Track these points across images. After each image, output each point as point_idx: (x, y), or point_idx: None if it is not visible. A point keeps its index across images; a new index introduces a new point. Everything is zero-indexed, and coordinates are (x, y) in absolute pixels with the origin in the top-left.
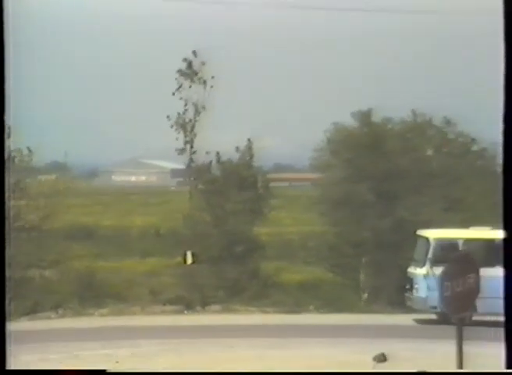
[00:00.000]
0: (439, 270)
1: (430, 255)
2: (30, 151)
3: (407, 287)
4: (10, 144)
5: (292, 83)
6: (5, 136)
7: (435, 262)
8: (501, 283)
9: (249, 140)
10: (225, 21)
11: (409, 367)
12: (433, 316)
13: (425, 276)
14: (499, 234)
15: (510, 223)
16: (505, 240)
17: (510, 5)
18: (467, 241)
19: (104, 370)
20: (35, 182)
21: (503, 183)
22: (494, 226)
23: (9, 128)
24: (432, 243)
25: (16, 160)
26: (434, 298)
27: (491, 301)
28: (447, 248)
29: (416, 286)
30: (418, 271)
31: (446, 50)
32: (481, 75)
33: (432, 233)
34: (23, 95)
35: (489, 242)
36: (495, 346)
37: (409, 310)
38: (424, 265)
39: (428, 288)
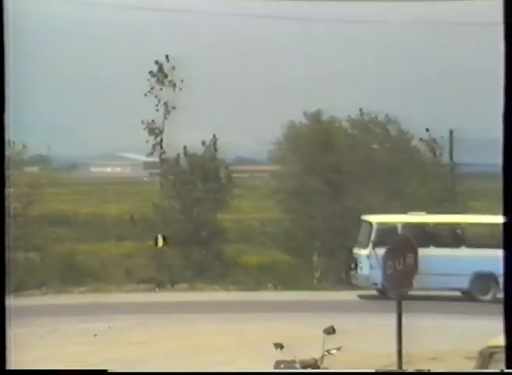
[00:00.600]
0: (380, 251)
1: (372, 237)
2: (24, 146)
3: (352, 266)
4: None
5: (252, 86)
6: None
7: (377, 243)
8: (434, 261)
9: (214, 136)
10: (195, 30)
11: (355, 338)
12: (375, 292)
13: (368, 256)
14: (433, 219)
15: (510, 208)
16: (505, 224)
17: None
18: (405, 224)
19: (105, 370)
20: (21, 173)
21: (503, 176)
22: (429, 212)
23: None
24: (375, 227)
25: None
26: (376, 275)
27: (425, 278)
28: (387, 231)
29: (360, 265)
30: (362, 252)
31: (392, 54)
32: (424, 75)
33: (375, 218)
34: (13, 94)
35: (424, 225)
36: (430, 318)
37: (355, 287)
38: (367, 246)
39: (371, 267)
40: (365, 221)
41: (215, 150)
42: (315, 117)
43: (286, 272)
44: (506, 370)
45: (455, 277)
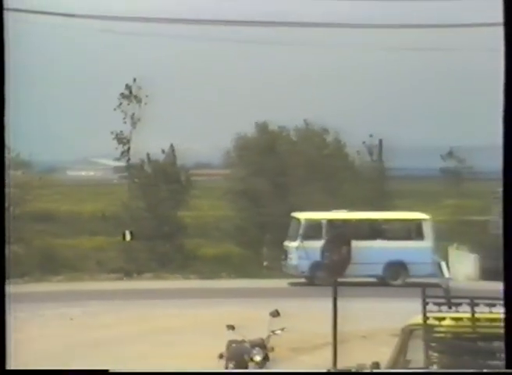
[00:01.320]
0: (307, 244)
1: (301, 231)
2: (17, 154)
3: (283, 257)
4: None
5: (208, 100)
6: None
7: (305, 237)
8: (354, 252)
9: (171, 145)
10: (159, 53)
11: (296, 320)
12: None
13: (297, 248)
14: (353, 215)
15: (510, 208)
16: (505, 224)
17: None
18: (329, 221)
19: (106, 370)
20: (6, 176)
21: (503, 176)
22: (361, 209)
23: None
24: (303, 222)
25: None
26: (303, 265)
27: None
28: (314, 227)
29: (290, 256)
30: (292, 244)
31: (330, 74)
32: (362, 91)
33: (303, 215)
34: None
35: (346, 221)
36: (357, 301)
37: (298, 276)
38: (296, 239)
39: (299, 257)
40: (295, 218)
41: (174, 156)
42: (263, 127)
43: (238, 262)
44: (506, 370)
45: (371, 266)
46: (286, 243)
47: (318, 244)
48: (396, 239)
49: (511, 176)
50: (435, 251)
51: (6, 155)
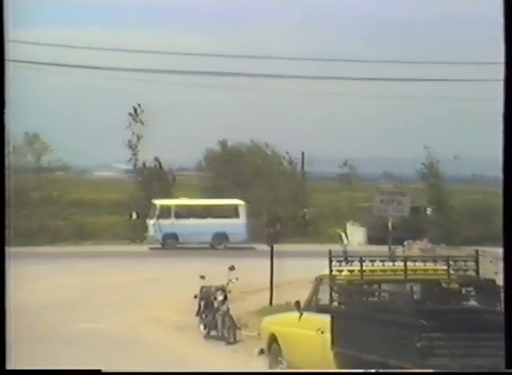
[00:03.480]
0: (161, 221)
1: (156, 213)
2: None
3: (145, 230)
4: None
5: (187, 125)
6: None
7: (159, 217)
8: (193, 226)
9: (156, 157)
10: (158, 86)
11: (245, 273)
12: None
13: (154, 225)
14: (192, 202)
15: (510, 207)
16: (505, 224)
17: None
18: (177, 206)
19: (99, 370)
20: (53, 175)
21: (503, 176)
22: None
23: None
24: (158, 207)
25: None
26: (157, 235)
27: (189, 236)
28: (166, 209)
29: (149, 229)
30: (150, 222)
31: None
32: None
33: (158, 202)
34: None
35: (189, 205)
36: (288, 260)
37: (155, 243)
38: (153, 218)
39: (155, 230)
40: (153, 203)
41: (160, 164)
42: (223, 144)
43: None
44: (506, 370)
45: (204, 236)
46: (147, 221)
47: (168, 221)
48: (221, 217)
49: (511, 176)
50: (247, 226)
51: (50, 158)
